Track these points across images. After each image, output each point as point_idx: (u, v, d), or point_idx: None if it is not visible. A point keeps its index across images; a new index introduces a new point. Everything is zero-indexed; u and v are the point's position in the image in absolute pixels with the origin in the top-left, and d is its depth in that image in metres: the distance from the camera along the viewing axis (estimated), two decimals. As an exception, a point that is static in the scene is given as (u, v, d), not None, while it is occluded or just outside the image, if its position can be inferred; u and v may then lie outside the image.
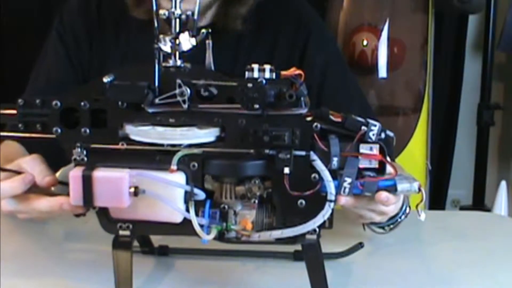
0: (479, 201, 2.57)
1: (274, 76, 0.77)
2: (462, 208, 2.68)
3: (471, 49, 2.70)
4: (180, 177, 0.78)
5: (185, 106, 0.77)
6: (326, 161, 0.78)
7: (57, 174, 1.10)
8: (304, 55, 1.28)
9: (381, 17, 2.25)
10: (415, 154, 2.28)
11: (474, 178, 2.59)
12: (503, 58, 2.72)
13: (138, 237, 0.94)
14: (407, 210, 1.01)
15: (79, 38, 1.29)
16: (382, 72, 2.27)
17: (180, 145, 0.78)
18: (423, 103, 2.33)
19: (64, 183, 0.87)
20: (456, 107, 2.72)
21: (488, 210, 2.41)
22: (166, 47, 0.79)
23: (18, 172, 0.90)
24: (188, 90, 0.77)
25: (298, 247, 0.83)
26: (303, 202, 0.79)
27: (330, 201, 0.78)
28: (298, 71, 0.78)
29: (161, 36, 0.79)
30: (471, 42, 2.69)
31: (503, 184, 2.35)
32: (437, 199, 2.72)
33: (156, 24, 0.79)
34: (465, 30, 2.64)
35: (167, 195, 0.77)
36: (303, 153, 0.78)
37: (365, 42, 2.26)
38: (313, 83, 1.24)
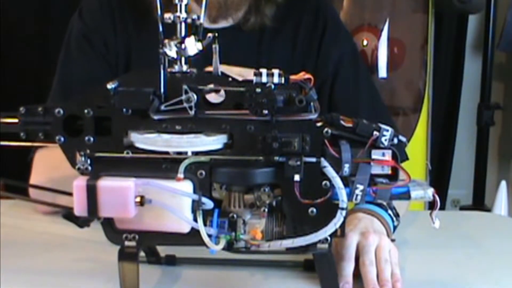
0: (479, 201, 2.57)
1: (283, 81, 0.75)
2: (462, 208, 2.69)
3: (471, 49, 2.70)
4: (187, 186, 0.76)
5: (192, 112, 0.75)
6: (337, 168, 0.76)
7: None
8: (320, 46, 1.28)
9: (381, 17, 2.25)
10: (415, 154, 2.28)
11: (474, 178, 2.59)
12: (503, 58, 2.73)
13: (144, 247, 0.92)
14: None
15: (107, 39, 1.26)
16: (382, 72, 2.27)
17: (187, 152, 0.76)
18: (423, 103, 2.33)
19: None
20: (456, 107, 2.72)
21: (488, 210, 2.42)
22: (172, 52, 0.77)
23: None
24: (195, 96, 0.75)
25: (309, 256, 0.81)
26: (314, 210, 0.77)
27: (342, 209, 0.76)
28: (308, 76, 0.76)
29: (166, 41, 0.77)
30: (471, 42, 2.69)
31: (503, 184, 2.36)
32: (437, 199, 2.72)
33: (160, 29, 0.77)
34: (465, 30, 2.64)
35: (174, 204, 0.75)
36: (313, 159, 0.76)
37: (365, 42, 2.26)
38: (328, 74, 1.26)
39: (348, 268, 0.91)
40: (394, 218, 1.03)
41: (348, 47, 1.33)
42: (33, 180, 1.17)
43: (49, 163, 1.15)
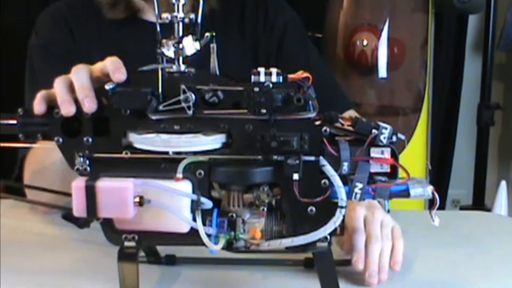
0: (479, 201, 2.57)
1: (281, 80, 0.75)
2: (462, 208, 2.69)
3: (471, 49, 2.70)
4: (186, 186, 0.76)
5: (190, 112, 0.75)
6: (336, 166, 0.76)
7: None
8: (266, 18, 1.34)
9: (381, 17, 2.25)
10: (415, 154, 2.28)
11: (474, 178, 2.59)
12: (503, 58, 2.73)
13: (144, 247, 0.92)
14: None
15: (67, 47, 1.28)
16: (382, 72, 2.27)
17: (185, 152, 0.76)
18: (423, 103, 2.34)
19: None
20: (456, 107, 2.72)
21: (488, 210, 2.42)
22: (169, 52, 0.77)
23: None
24: (193, 96, 0.75)
25: (309, 254, 0.81)
26: (313, 209, 0.77)
27: (341, 207, 0.75)
28: (306, 74, 0.76)
29: (164, 40, 0.77)
30: (471, 42, 2.69)
31: (503, 184, 2.36)
32: (437, 199, 2.72)
33: (158, 29, 0.77)
34: (465, 30, 2.65)
35: (173, 204, 0.75)
36: (312, 158, 0.76)
37: (365, 42, 2.26)
38: (273, 42, 1.33)
39: (362, 240, 0.94)
40: None
41: (293, 17, 1.38)
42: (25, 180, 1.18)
43: (30, 160, 1.16)
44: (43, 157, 1.10)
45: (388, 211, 0.94)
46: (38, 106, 0.79)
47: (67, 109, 0.77)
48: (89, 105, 0.77)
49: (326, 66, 1.44)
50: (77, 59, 1.23)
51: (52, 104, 0.79)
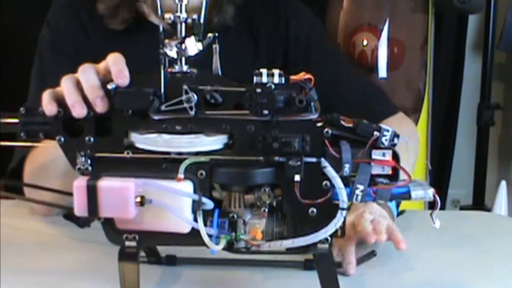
0: (479, 201, 2.57)
1: (283, 81, 0.75)
2: (462, 208, 2.69)
3: (471, 49, 2.70)
4: (187, 186, 0.76)
5: (192, 112, 0.75)
6: (338, 168, 0.76)
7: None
8: (288, 28, 1.32)
9: (381, 17, 2.25)
10: (415, 154, 2.27)
11: (474, 178, 2.59)
12: (503, 58, 2.73)
13: (144, 247, 0.92)
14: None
15: (78, 46, 1.27)
16: (382, 72, 2.26)
17: (187, 153, 0.76)
18: (423, 103, 2.33)
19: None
20: (456, 107, 2.71)
21: (488, 210, 2.42)
22: (172, 52, 0.77)
23: None
24: (195, 96, 0.75)
25: (309, 256, 0.81)
26: (314, 210, 0.77)
27: (342, 209, 0.76)
28: (308, 76, 0.76)
29: (166, 41, 0.77)
30: (471, 42, 2.69)
31: (503, 184, 2.36)
32: (437, 199, 2.72)
33: (161, 29, 0.77)
34: (465, 30, 2.64)
35: (174, 204, 0.75)
36: (313, 159, 0.76)
37: (365, 42, 2.25)
38: (300, 49, 1.30)
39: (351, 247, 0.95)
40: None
41: (317, 23, 1.38)
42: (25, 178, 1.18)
43: (31, 159, 1.16)
44: (44, 155, 1.10)
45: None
46: (50, 106, 0.78)
47: (79, 111, 0.77)
48: (101, 105, 0.77)
49: (359, 72, 1.43)
50: (86, 59, 1.24)
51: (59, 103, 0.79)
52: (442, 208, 2.74)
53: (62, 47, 1.27)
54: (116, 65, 0.77)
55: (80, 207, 0.75)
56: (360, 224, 0.97)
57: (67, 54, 1.26)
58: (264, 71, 0.75)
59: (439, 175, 2.70)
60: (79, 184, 0.74)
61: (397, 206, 1.07)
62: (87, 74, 0.79)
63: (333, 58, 1.36)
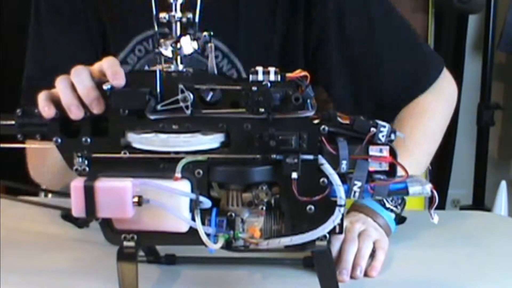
0: (479, 201, 2.56)
1: (279, 79, 0.75)
2: (462, 208, 2.68)
3: (471, 49, 2.69)
4: (185, 185, 0.76)
5: (188, 111, 0.75)
6: (335, 165, 0.76)
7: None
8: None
9: (381, 17, 2.24)
10: (415, 155, 2.26)
11: (474, 178, 2.58)
12: (503, 58, 2.72)
13: (143, 247, 0.92)
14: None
15: (77, 8, 1.20)
16: (382, 72, 2.25)
17: (184, 152, 0.76)
18: (423, 102, 2.31)
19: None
20: (456, 107, 2.70)
21: (488, 210, 2.40)
22: (167, 51, 0.77)
23: None
24: (191, 95, 0.75)
25: (308, 253, 0.81)
26: (312, 207, 0.77)
27: (340, 206, 0.75)
28: (304, 73, 0.76)
29: (161, 40, 0.77)
30: (471, 42, 2.68)
31: (503, 184, 2.35)
32: (436, 199, 2.71)
33: (156, 28, 0.77)
34: (465, 30, 2.63)
35: (172, 204, 0.75)
36: (311, 157, 0.76)
37: (365, 42, 2.24)
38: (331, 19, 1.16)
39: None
40: (395, 209, 1.04)
41: None
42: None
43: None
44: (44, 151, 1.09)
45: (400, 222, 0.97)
46: (47, 109, 0.78)
47: (76, 114, 0.77)
48: (98, 107, 0.77)
49: (404, 28, 1.24)
50: (85, 23, 1.16)
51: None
52: (442, 208, 2.73)
53: (60, 11, 1.20)
54: (111, 68, 0.77)
55: (77, 208, 0.75)
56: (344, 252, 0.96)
57: (66, 18, 1.20)
58: (259, 69, 0.75)
59: (439, 175, 2.69)
60: (77, 184, 0.74)
61: (397, 222, 1.06)
62: (80, 76, 0.78)
63: (370, 15, 1.20)
